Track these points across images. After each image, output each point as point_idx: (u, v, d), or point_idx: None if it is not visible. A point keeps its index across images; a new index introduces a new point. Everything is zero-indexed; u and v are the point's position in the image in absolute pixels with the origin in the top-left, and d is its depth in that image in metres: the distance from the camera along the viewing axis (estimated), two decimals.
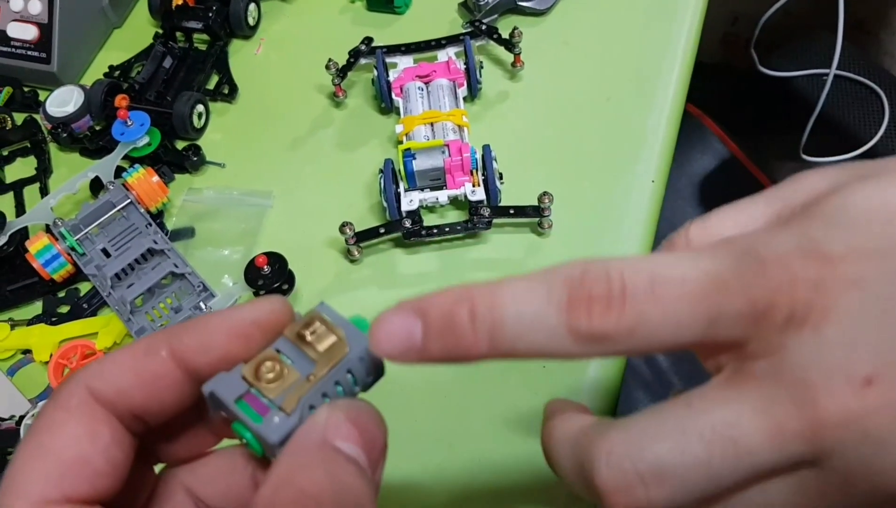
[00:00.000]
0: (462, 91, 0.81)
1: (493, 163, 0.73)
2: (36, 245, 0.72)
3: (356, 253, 0.74)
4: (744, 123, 1.70)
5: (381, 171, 0.75)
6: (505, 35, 0.83)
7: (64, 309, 0.75)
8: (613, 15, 0.89)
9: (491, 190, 0.72)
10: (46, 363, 0.71)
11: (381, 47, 0.85)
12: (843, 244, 0.27)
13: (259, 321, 0.34)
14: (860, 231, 0.27)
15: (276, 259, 0.69)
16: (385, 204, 0.73)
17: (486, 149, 0.73)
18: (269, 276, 0.68)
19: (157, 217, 0.78)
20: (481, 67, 0.82)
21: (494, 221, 0.72)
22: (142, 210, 0.76)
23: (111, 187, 0.76)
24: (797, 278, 0.27)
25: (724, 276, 0.28)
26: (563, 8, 0.90)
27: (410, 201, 0.73)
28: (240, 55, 0.93)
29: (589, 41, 0.87)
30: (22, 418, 0.67)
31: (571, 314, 0.30)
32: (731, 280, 0.28)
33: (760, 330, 0.28)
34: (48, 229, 0.75)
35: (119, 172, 0.78)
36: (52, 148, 0.88)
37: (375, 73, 0.82)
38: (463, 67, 0.81)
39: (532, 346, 0.31)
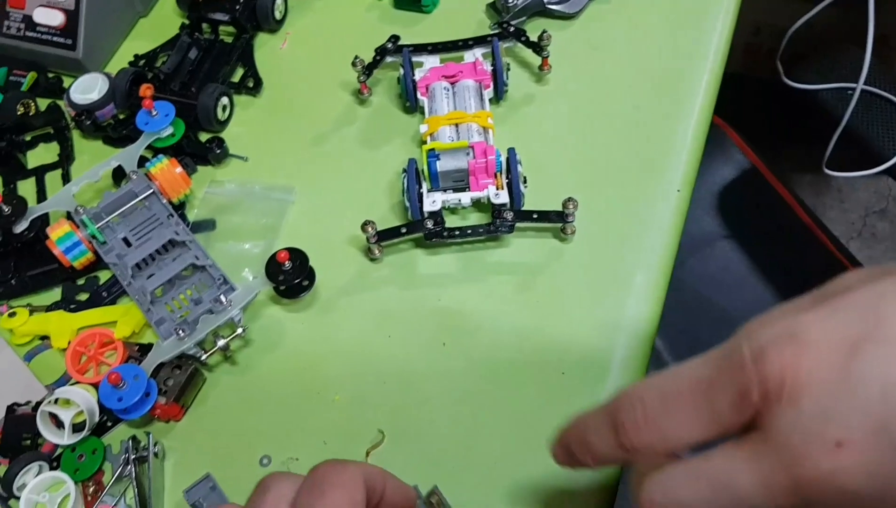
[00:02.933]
0: (488, 93, 0.80)
1: (518, 166, 0.72)
2: (57, 232, 0.72)
3: (377, 252, 0.74)
4: (766, 133, 1.69)
5: (404, 170, 0.74)
6: (533, 38, 0.83)
7: (83, 297, 0.75)
8: (643, 21, 0.88)
9: (515, 194, 0.72)
10: (64, 350, 0.71)
11: (407, 46, 0.85)
12: (820, 330, 0.34)
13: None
14: (839, 318, 0.34)
15: (297, 255, 0.69)
16: (407, 204, 0.73)
17: (511, 152, 0.73)
18: (290, 271, 0.68)
19: (179, 208, 0.78)
20: (508, 70, 0.81)
21: (517, 225, 0.72)
22: (164, 201, 0.76)
23: (134, 177, 0.76)
24: (773, 363, 0.34)
25: (713, 378, 0.36)
26: (592, 12, 0.90)
27: (433, 201, 0.73)
28: (265, 49, 0.93)
29: (618, 47, 0.86)
30: (38, 404, 0.67)
31: (617, 435, 0.40)
32: (718, 380, 0.36)
33: (752, 409, 0.35)
34: (69, 216, 0.75)
35: (142, 161, 0.78)
36: (75, 135, 0.88)
37: (401, 71, 0.82)
38: (490, 68, 0.81)
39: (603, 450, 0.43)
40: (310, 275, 0.70)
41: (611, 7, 0.90)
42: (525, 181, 0.73)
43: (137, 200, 0.75)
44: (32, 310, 0.74)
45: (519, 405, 0.65)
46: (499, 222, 0.71)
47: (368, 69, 0.84)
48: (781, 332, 0.35)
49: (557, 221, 0.71)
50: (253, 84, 0.88)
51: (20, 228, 0.75)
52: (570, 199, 0.69)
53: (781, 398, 0.34)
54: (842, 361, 0.33)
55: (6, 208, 0.74)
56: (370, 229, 0.71)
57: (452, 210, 0.77)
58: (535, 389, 0.66)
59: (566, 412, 0.63)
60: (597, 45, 0.87)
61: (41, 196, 0.83)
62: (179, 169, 0.76)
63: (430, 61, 0.84)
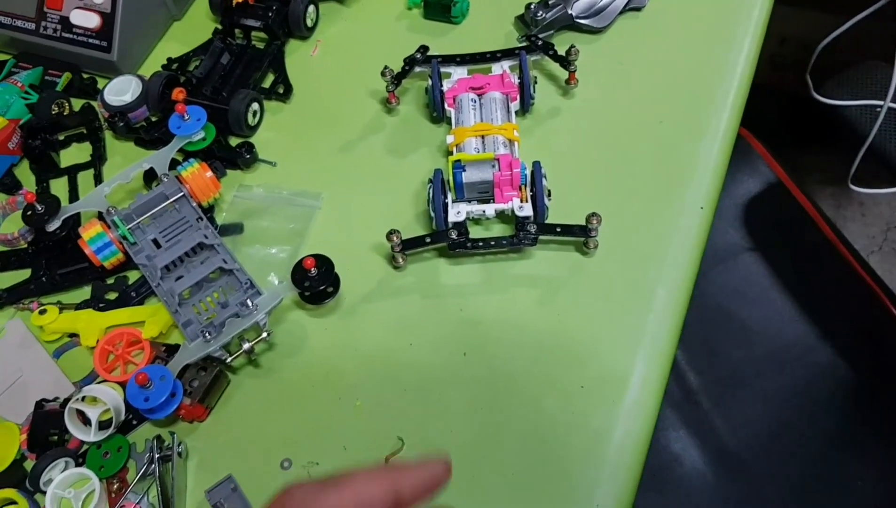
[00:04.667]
0: (515, 105, 0.81)
1: (543, 180, 0.73)
2: (89, 232, 0.74)
3: (401, 260, 0.75)
4: (790, 146, 1.68)
5: (430, 180, 0.75)
6: (561, 51, 0.83)
7: (112, 296, 0.77)
8: (670, 37, 0.88)
9: (539, 207, 0.72)
10: (92, 348, 0.72)
11: (436, 57, 0.85)
12: None
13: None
14: None
15: (323, 262, 0.70)
16: (432, 214, 0.74)
17: (537, 166, 0.73)
18: (316, 278, 0.69)
19: (208, 211, 0.79)
20: (535, 83, 0.82)
21: (540, 237, 0.72)
22: (194, 204, 0.77)
23: (165, 180, 0.77)
24: None
25: None
26: (619, 28, 0.90)
27: (458, 212, 0.74)
28: (296, 56, 0.94)
29: (644, 62, 0.87)
30: (66, 401, 0.68)
31: None
32: None
33: None
34: (101, 217, 0.77)
35: (173, 164, 0.80)
36: (108, 136, 0.90)
37: (430, 81, 0.83)
38: (517, 81, 0.82)
39: None
40: (335, 282, 0.71)
41: (639, 22, 0.90)
42: (549, 195, 0.73)
43: (168, 202, 0.77)
44: (62, 308, 0.76)
45: (538, 417, 0.66)
46: (522, 235, 0.72)
47: (397, 79, 0.85)
48: None
49: (580, 235, 0.72)
50: (283, 90, 0.89)
51: (53, 226, 0.77)
52: (593, 214, 0.70)
53: None
54: None
55: (40, 207, 0.76)
56: (395, 238, 0.72)
57: (476, 221, 0.77)
58: (553, 402, 0.66)
59: (585, 425, 0.65)
60: (623, 59, 0.87)
61: (73, 196, 0.85)
62: (210, 173, 0.78)
63: (458, 72, 0.85)
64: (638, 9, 0.91)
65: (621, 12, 0.90)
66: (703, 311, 1.49)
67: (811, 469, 1.27)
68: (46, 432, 0.68)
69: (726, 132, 0.81)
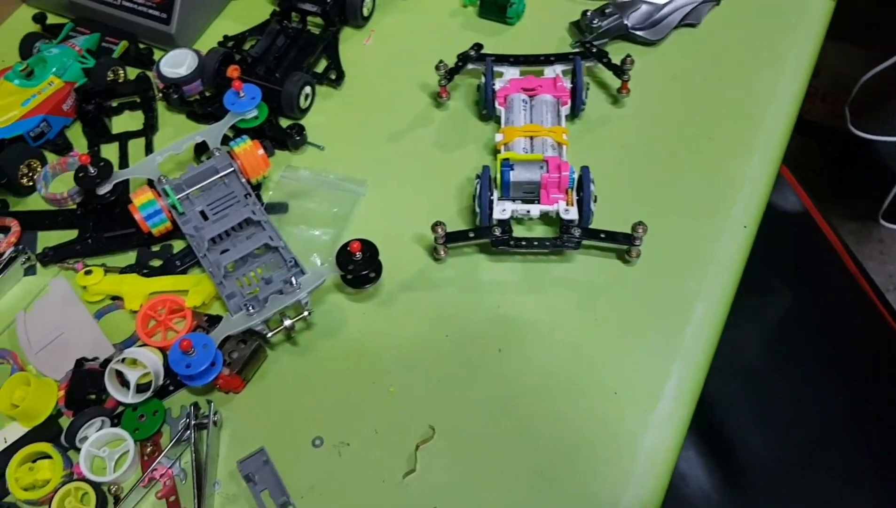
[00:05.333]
0: (565, 109, 0.82)
1: (591, 185, 0.73)
2: (141, 198, 0.75)
3: (442, 253, 0.76)
4: (821, 178, 1.69)
5: (477, 176, 0.76)
6: (615, 60, 0.84)
7: (156, 263, 0.78)
8: (724, 55, 0.89)
9: (585, 211, 0.73)
10: (134, 312, 0.73)
11: (490, 55, 0.86)
12: None
13: None
14: None
15: (369, 247, 0.71)
16: (478, 209, 0.75)
17: (585, 170, 0.74)
18: (360, 262, 0.70)
19: (255, 189, 0.80)
20: (588, 89, 0.83)
21: (583, 242, 0.73)
22: (243, 180, 0.78)
23: (217, 154, 0.78)
24: None
25: None
26: (673, 41, 0.91)
27: (503, 210, 0.74)
28: (349, 43, 0.95)
29: (697, 78, 0.87)
30: (106, 361, 0.70)
31: None
32: None
33: None
34: (151, 184, 0.78)
35: (224, 140, 0.81)
36: (160, 107, 0.91)
37: (483, 79, 0.84)
38: (569, 86, 0.82)
39: None
40: (378, 268, 0.72)
41: (693, 38, 0.91)
42: (596, 200, 0.74)
43: (218, 176, 0.78)
44: (107, 270, 0.77)
45: (569, 419, 0.66)
46: (566, 238, 0.72)
47: (450, 74, 0.85)
48: None
49: (624, 243, 0.72)
50: (335, 76, 0.90)
51: (103, 190, 0.78)
52: (640, 223, 0.71)
53: None
54: None
55: (92, 170, 0.77)
56: (440, 229, 0.73)
57: (519, 221, 0.78)
58: (586, 404, 0.67)
59: (616, 430, 0.65)
60: (676, 73, 0.88)
61: (123, 162, 0.86)
62: (261, 151, 0.79)
63: (511, 72, 0.86)
64: (693, 25, 0.92)
65: (676, 27, 0.91)
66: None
67: (817, 499, 1.27)
68: (85, 390, 0.69)
69: (774, 154, 0.81)
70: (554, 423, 0.66)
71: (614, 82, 0.86)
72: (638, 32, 0.90)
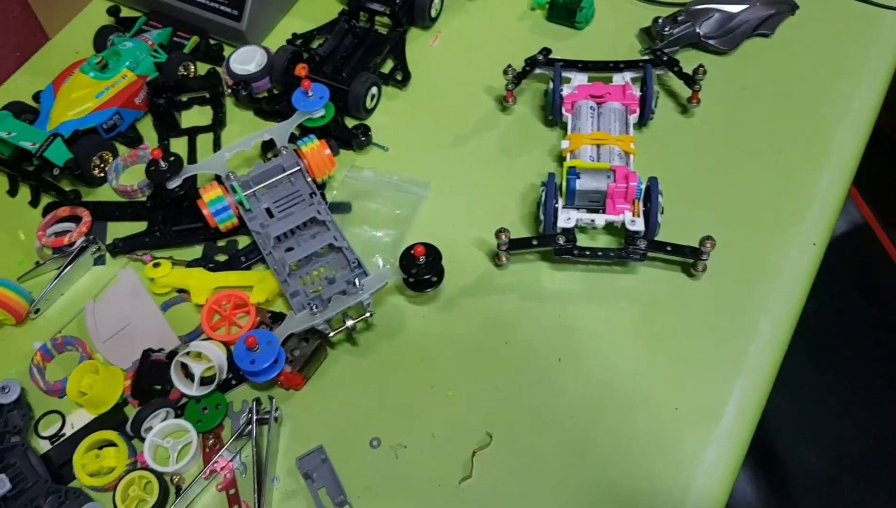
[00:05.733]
0: (633, 118, 0.81)
1: (659, 197, 0.72)
2: (210, 194, 0.76)
3: (504, 259, 0.75)
4: (884, 190, 1.65)
5: (543, 183, 0.75)
6: (686, 69, 0.83)
7: (221, 258, 0.79)
8: (797, 67, 0.87)
9: (651, 223, 0.72)
10: (200, 305, 0.75)
11: (558, 60, 0.86)
12: None
13: None
14: None
15: (432, 252, 0.71)
16: (542, 217, 0.74)
17: (654, 181, 0.73)
18: (424, 266, 0.70)
19: (320, 188, 0.81)
20: (658, 98, 0.82)
21: (648, 254, 0.72)
22: (308, 179, 0.79)
23: (284, 152, 0.79)
24: None
25: None
26: (745, 51, 0.89)
27: (568, 218, 0.74)
28: (416, 44, 0.95)
29: (768, 89, 0.86)
30: (172, 353, 0.71)
31: None
32: None
33: None
34: (219, 180, 0.79)
35: (290, 138, 0.82)
36: (229, 103, 0.92)
37: (550, 84, 0.83)
38: (639, 94, 0.81)
39: None
40: (440, 273, 0.72)
41: (766, 48, 0.89)
42: (663, 211, 0.73)
43: (284, 174, 0.79)
44: (174, 263, 0.78)
45: (628, 432, 0.66)
46: (631, 250, 0.72)
47: (517, 78, 0.85)
48: None
49: (691, 256, 0.71)
50: (402, 77, 0.91)
51: (173, 184, 0.79)
52: (708, 237, 0.69)
53: None
54: None
55: (164, 164, 0.78)
56: (504, 236, 0.73)
57: (582, 229, 0.77)
58: (646, 419, 0.66)
59: (676, 447, 0.64)
60: (747, 84, 0.86)
61: (192, 156, 0.88)
62: (328, 151, 0.79)
63: (579, 78, 0.85)
64: (767, 35, 0.90)
65: (749, 36, 0.89)
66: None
67: None
68: (150, 381, 0.70)
69: (846, 169, 0.80)
70: (612, 436, 0.66)
71: (684, 91, 0.85)
72: (710, 41, 0.88)
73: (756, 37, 0.90)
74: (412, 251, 0.70)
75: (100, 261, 0.81)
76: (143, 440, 0.67)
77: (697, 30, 0.88)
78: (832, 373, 1.46)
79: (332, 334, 0.70)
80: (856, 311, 1.56)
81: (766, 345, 0.69)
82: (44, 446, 0.69)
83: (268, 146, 0.85)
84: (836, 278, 1.53)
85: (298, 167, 0.79)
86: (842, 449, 1.39)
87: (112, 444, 0.68)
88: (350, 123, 0.88)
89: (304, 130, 0.84)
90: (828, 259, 1.64)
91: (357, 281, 0.70)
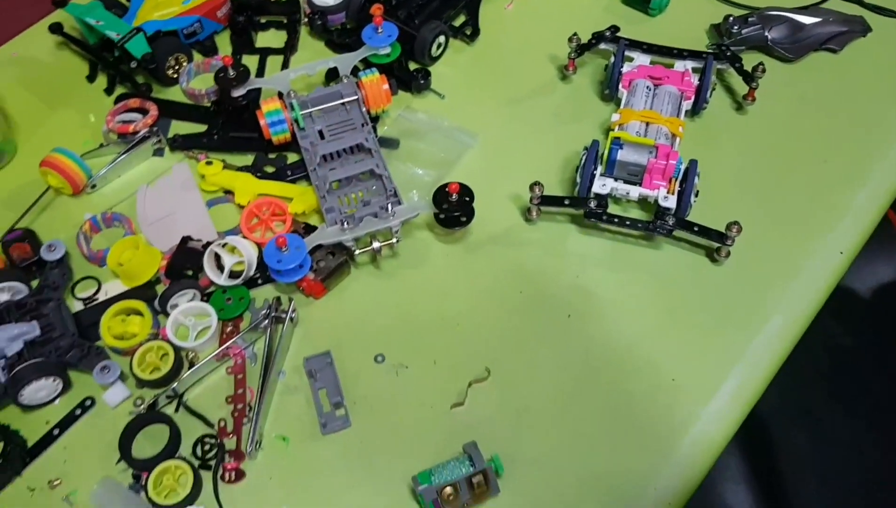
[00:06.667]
0: (687, 104, 0.82)
1: (696, 179, 0.74)
2: (269, 106, 0.80)
3: (534, 214, 0.78)
4: None
5: (585, 148, 0.78)
6: (747, 67, 0.84)
7: (269, 169, 0.83)
8: (858, 86, 0.87)
9: (684, 202, 0.74)
10: (242, 207, 0.79)
11: (624, 39, 0.87)
12: None
13: None
14: None
15: (465, 191, 0.73)
16: (578, 180, 0.77)
17: (693, 163, 0.75)
18: (455, 204, 0.73)
19: (373, 120, 0.85)
20: (714, 89, 0.83)
21: (676, 231, 0.74)
22: (363, 109, 0.82)
23: (345, 80, 0.83)
24: None
25: None
26: (811, 62, 0.90)
27: (603, 185, 0.76)
28: (491, 4, 0.98)
29: (826, 103, 0.86)
30: (208, 244, 0.75)
31: None
32: None
33: None
34: (280, 97, 0.83)
35: (354, 70, 0.85)
36: (304, 31, 0.96)
37: (612, 60, 0.85)
38: (696, 82, 0.83)
39: None
40: (470, 213, 0.74)
41: (832, 62, 0.90)
42: (697, 194, 0.75)
43: (341, 101, 0.82)
44: (225, 166, 0.83)
45: (623, 395, 0.67)
46: (660, 224, 0.73)
47: (581, 49, 0.87)
48: None
49: (716, 240, 0.73)
50: (471, 32, 0.93)
51: (237, 92, 0.83)
52: (734, 222, 0.71)
53: None
54: None
55: (232, 72, 0.83)
56: (537, 189, 0.75)
57: (616, 200, 0.79)
58: (642, 386, 0.68)
59: (666, 415, 0.66)
60: (805, 94, 0.87)
61: (260, 73, 0.92)
62: (386, 86, 0.82)
63: (641, 59, 0.87)
64: (835, 51, 0.90)
65: (817, 49, 0.90)
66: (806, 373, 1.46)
67: None
68: (184, 264, 0.75)
69: (887, 192, 0.80)
70: (606, 394, 0.68)
71: (741, 89, 0.86)
72: (777, 47, 0.89)
73: (823, 51, 0.90)
74: (447, 188, 0.73)
75: (158, 153, 0.86)
76: (167, 316, 0.72)
77: (766, 34, 0.88)
78: (860, 418, 1.44)
79: (357, 252, 0.73)
80: (870, 341, 1.53)
81: (772, 341, 0.70)
82: (77, 306, 0.74)
83: (331, 77, 0.89)
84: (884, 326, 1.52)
85: (356, 97, 0.82)
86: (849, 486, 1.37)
87: (139, 313, 0.72)
88: (413, 67, 0.91)
89: (368, 65, 0.87)
90: (873, 307, 1.60)
91: (390, 207, 0.73)
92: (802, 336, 0.72)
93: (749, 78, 0.83)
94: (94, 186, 0.82)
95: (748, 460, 1.40)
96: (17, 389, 0.66)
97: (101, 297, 0.75)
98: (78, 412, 0.68)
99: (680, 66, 0.86)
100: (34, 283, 0.74)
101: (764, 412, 1.41)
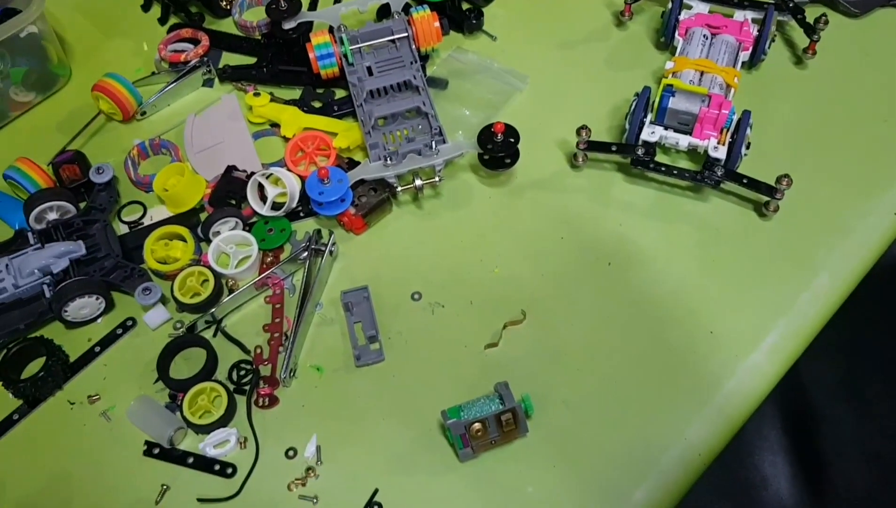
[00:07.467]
0: (744, 55, 0.80)
1: (748, 130, 0.72)
2: (318, 38, 0.80)
3: (580, 160, 0.77)
4: None
5: (636, 94, 0.76)
6: (809, 20, 0.81)
7: (317, 104, 0.83)
8: None
9: (734, 154, 0.72)
10: (287, 140, 0.79)
11: None
12: None
13: None
14: None
15: (511, 132, 0.73)
16: (627, 126, 0.75)
17: (746, 114, 0.73)
18: (500, 144, 0.72)
19: (423, 59, 0.84)
20: (773, 41, 0.80)
21: (723, 184, 0.72)
22: (413, 47, 0.81)
23: (396, 17, 0.82)
24: None
25: None
26: (878, 18, 0.86)
27: (652, 132, 0.74)
28: None
29: (890, 59, 0.83)
30: (253, 174, 0.76)
31: None
32: None
33: None
34: (330, 31, 0.82)
35: (405, 8, 0.84)
36: None
37: (670, 6, 0.83)
38: (755, 33, 0.80)
39: None
40: (514, 154, 0.74)
41: None
42: (748, 147, 0.73)
43: (391, 38, 0.82)
44: (273, 99, 0.83)
45: (659, 344, 0.67)
46: (708, 174, 0.72)
47: None
48: None
49: (766, 193, 0.71)
50: None
51: (288, 25, 0.83)
52: (785, 175, 0.69)
53: None
54: None
55: (284, 4, 0.82)
56: (584, 133, 0.74)
57: (664, 150, 0.78)
58: (679, 336, 0.67)
59: (702, 366, 0.65)
60: (870, 49, 0.84)
61: (312, 7, 0.92)
62: (437, 23, 0.81)
63: (700, 7, 0.84)
64: None
65: (885, 5, 0.86)
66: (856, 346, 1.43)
67: None
68: (228, 193, 0.75)
69: None
70: (642, 342, 0.67)
71: (801, 42, 0.83)
72: (842, 0, 0.85)
73: (891, 7, 0.86)
74: (492, 129, 0.72)
75: (208, 83, 0.86)
76: (209, 243, 0.72)
77: None
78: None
79: (399, 189, 0.73)
80: None
81: (818, 297, 0.69)
82: (123, 229, 0.76)
83: (383, 13, 0.88)
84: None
85: (406, 34, 0.81)
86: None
87: (182, 239, 0.73)
88: (466, 7, 0.90)
89: (420, 2, 0.86)
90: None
91: (434, 145, 0.73)
92: (850, 305, 0.70)
93: (811, 31, 0.80)
94: (143, 113, 0.83)
95: (789, 433, 1.38)
96: (61, 305, 0.67)
97: (146, 221, 0.76)
98: (119, 331, 0.70)
99: (739, 15, 0.83)
100: (82, 204, 0.76)
101: (809, 385, 1.38)
